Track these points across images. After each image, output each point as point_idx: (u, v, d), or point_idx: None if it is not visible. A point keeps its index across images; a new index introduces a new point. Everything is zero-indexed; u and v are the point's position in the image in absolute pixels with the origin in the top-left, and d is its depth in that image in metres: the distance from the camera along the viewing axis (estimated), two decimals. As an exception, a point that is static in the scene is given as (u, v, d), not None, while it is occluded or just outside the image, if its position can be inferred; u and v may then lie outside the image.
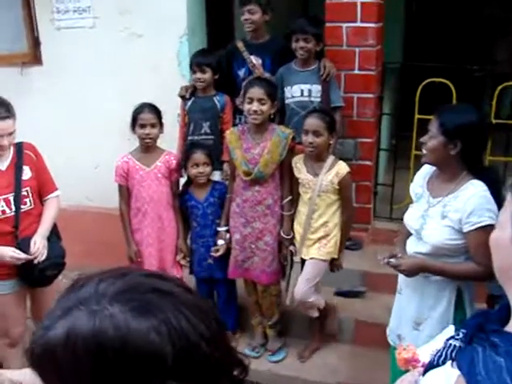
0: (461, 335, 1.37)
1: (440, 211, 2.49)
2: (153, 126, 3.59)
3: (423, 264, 2.52)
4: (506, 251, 1.24)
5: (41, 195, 3.26)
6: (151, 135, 3.60)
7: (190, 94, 3.98)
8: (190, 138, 3.95)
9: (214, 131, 3.91)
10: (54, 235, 3.28)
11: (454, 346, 1.38)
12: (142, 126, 3.57)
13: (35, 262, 3.06)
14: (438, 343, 1.64)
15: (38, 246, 3.07)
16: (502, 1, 6.92)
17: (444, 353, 1.38)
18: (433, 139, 2.47)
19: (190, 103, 3.97)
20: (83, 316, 0.72)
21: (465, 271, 2.48)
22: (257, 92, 3.33)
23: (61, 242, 3.35)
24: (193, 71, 3.91)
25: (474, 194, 2.40)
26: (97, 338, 0.70)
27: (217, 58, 3.98)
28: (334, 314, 3.77)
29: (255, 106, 3.32)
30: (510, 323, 1.25)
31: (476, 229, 2.37)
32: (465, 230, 2.41)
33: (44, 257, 3.10)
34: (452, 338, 1.40)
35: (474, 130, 2.44)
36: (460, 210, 2.41)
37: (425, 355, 1.69)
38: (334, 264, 3.52)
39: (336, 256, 3.48)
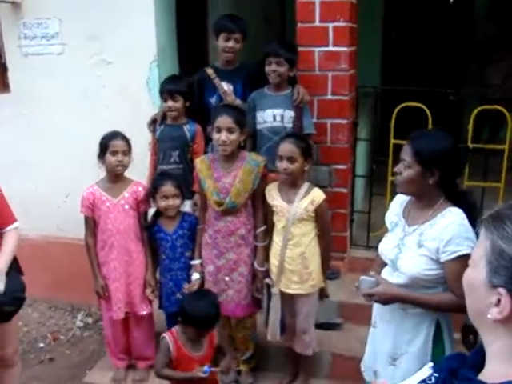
0: (433, 380, 1.27)
1: (416, 240, 2.40)
2: (124, 153, 3.49)
3: (398, 294, 2.40)
4: (478, 293, 1.16)
5: None
6: (124, 162, 3.50)
7: (159, 122, 3.88)
8: (159, 167, 3.85)
9: (183, 160, 3.81)
10: (13, 269, 3.11)
11: (426, 390, 1.28)
12: (114, 154, 3.46)
13: None
14: (415, 382, 1.55)
15: None
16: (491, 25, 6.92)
17: (416, 398, 1.29)
18: (408, 169, 2.37)
19: (159, 131, 3.87)
20: None
21: (443, 302, 2.36)
22: (225, 121, 3.23)
23: (21, 277, 3.18)
24: (164, 99, 3.80)
25: (451, 221, 2.31)
26: None
27: (187, 84, 3.88)
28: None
29: (224, 135, 3.22)
30: (484, 370, 1.17)
31: (454, 258, 2.27)
32: (442, 260, 2.31)
33: (1, 290, 2.91)
34: (424, 381, 1.31)
35: (450, 155, 2.35)
36: (437, 239, 2.31)
37: (401, 394, 1.60)
38: (320, 294, 3.43)
39: (322, 285, 3.39)
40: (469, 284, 1.21)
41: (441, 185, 2.38)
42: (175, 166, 3.80)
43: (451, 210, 2.35)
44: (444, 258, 2.30)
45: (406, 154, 2.38)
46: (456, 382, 1.18)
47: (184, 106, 3.81)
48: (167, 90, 3.78)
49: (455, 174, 2.46)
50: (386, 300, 2.43)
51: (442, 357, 2.43)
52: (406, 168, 2.38)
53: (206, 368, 2.84)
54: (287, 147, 3.19)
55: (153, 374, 3.76)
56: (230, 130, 3.22)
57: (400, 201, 2.61)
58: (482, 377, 1.14)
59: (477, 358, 1.22)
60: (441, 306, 2.38)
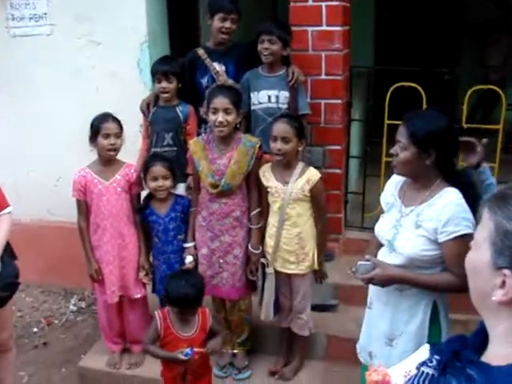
0: (434, 362, 1.26)
1: (414, 220, 2.39)
2: (117, 136, 3.45)
3: (396, 275, 2.40)
4: (482, 275, 1.13)
5: None
6: (116, 145, 3.45)
7: (152, 105, 3.82)
8: (152, 149, 3.80)
9: (176, 142, 3.77)
10: (6, 254, 3.07)
11: (427, 373, 1.26)
12: (107, 136, 3.41)
13: None
14: (412, 363, 1.53)
15: None
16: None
17: (416, 381, 1.27)
18: (404, 151, 2.35)
19: (151, 114, 3.82)
20: None
21: (441, 282, 2.36)
22: (221, 102, 3.19)
23: (14, 261, 3.14)
24: (157, 80, 3.73)
25: (449, 202, 2.30)
26: None
27: (179, 64, 3.82)
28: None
29: (221, 116, 3.17)
30: (487, 352, 1.15)
31: (452, 238, 2.27)
32: (441, 240, 2.30)
33: None
34: (425, 363, 1.29)
35: (446, 136, 2.34)
36: (435, 219, 2.31)
37: (397, 377, 1.58)
38: (316, 275, 3.42)
39: (317, 267, 3.36)
40: (472, 266, 1.19)
41: (438, 165, 2.36)
42: (168, 149, 3.75)
43: (448, 191, 2.35)
44: (442, 238, 2.30)
45: (402, 136, 2.37)
46: (458, 364, 1.16)
47: (177, 87, 3.76)
48: (162, 70, 3.70)
49: (452, 154, 2.44)
50: (385, 282, 2.42)
51: (439, 337, 2.44)
52: (402, 150, 2.36)
53: (187, 351, 2.82)
54: (281, 127, 3.16)
55: (148, 357, 3.79)
56: (226, 111, 3.18)
57: (395, 181, 2.60)
58: (484, 359, 1.13)
59: (478, 340, 1.20)
60: (439, 285, 2.38)
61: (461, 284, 2.29)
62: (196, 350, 2.85)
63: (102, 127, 3.42)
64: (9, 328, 3.33)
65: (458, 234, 2.25)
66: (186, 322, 2.99)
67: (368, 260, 2.46)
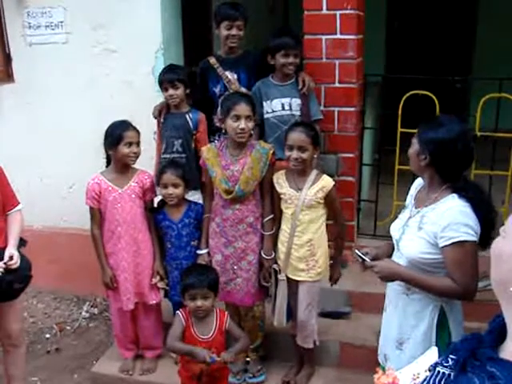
0: (450, 362, 1.24)
1: (418, 222, 2.42)
2: (137, 144, 3.47)
3: (398, 270, 2.42)
4: (507, 264, 1.12)
5: (3, 209, 3.19)
6: (138, 153, 3.47)
7: (164, 112, 3.84)
8: (162, 156, 3.80)
9: (186, 149, 3.75)
10: (20, 249, 3.20)
11: (443, 373, 1.25)
12: (130, 145, 3.42)
13: None
14: (420, 366, 1.52)
15: (15, 258, 3.03)
16: None
17: (432, 381, 1.25)
18: (411, 147, 2.48)
19: (162, 120, 3.83)
20: None
21: (441, 286, 2.36)
22: (244, 109, 3.20)
23: (26, 256, 3.22)
24: (164, 88, 3.74)
25: (451, 207, 2.31)
26: None
27: (186, 71, 3.85)
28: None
29: (243, 123, 3.19)
30: (505, 348, 1.14)
31: (450, 244, 2.28)
32: (440, 245, 2.32)
33: (18, 264, 3.04)
34: (439, 364, 1.27)
35: (442, 145, 2.34)
36: (436, 224, 2.32)
37: (406, 379, 1.58)
38: (331, 279, 3.41)
39: (328, 274, 3.37)
40: (498, 254, 1.17)
41: (438, 171, 2.39)
42: (177, 155, 3.74)
43: (453, 197, 2.35)
44: (441, 243, 2.31)
45: (416, 133, 2.49)
46: (476, 362, 1.15)
47: (185, 93, 3.76)
48: (167, 79, 3.70)
49: (453, 165, 2.39)
50: (387, 275, 2.44)
51: (447, 343, 2.42)
52: (412, 145, 2.48)
53: (214, 357, 2.84)
54: (297, 136, 3.16)
55: (161, 363, 3.79)
56: (248, 118, 3.21)
57: (418, 183, 2.65)
58: (503, 356, 1.12)
59: (492, 338, 1.19)
60: (439, 289, 2.37)
61: (461, 291, 2.31)
62: (217, 359, 2.86)
63: (124, 135, 3.40)
64: (19, 320, 3.40)
65: (456, 239, 2.26)
66: (204, 324, 3.01)
67: (367, 253, 2.55)
